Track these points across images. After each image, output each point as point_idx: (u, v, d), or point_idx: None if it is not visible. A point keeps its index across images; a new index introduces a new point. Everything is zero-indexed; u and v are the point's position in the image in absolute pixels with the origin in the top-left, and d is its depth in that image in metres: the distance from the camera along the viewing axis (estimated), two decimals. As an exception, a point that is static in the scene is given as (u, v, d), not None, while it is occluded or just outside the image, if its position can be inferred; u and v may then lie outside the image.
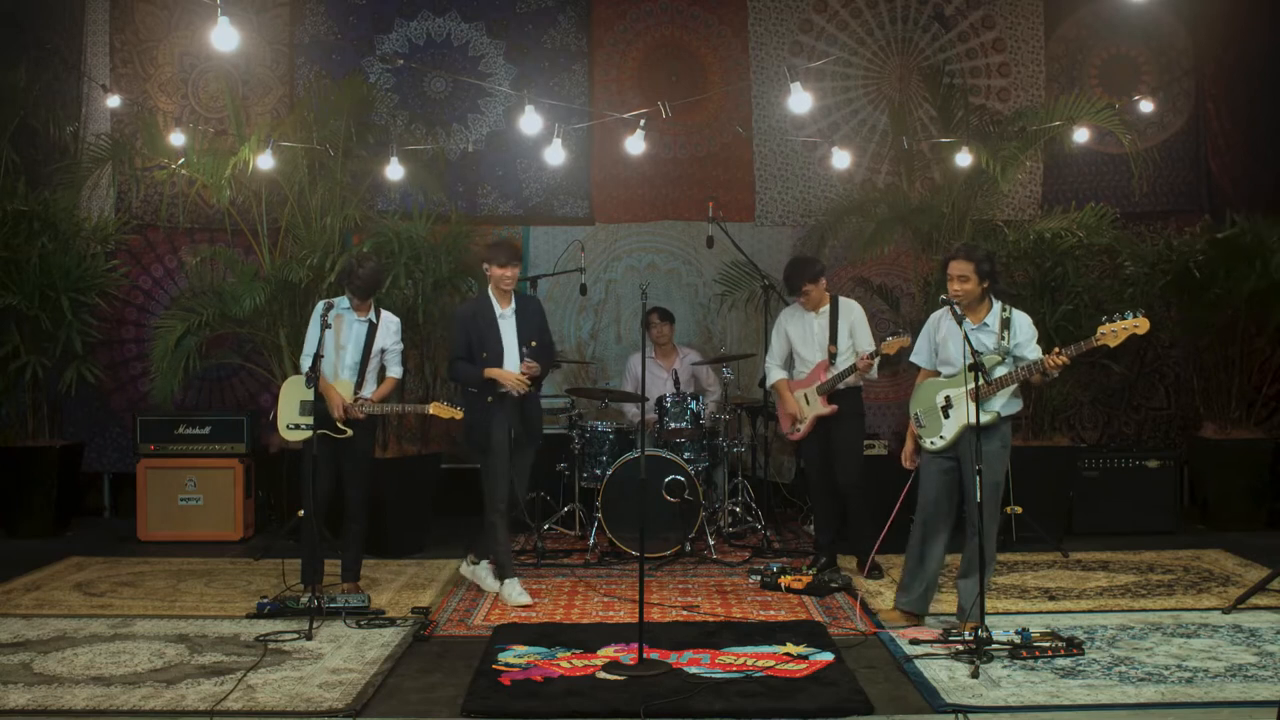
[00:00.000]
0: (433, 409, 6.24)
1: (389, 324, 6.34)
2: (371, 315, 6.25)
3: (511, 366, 6.20)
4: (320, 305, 6.20)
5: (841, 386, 6.64)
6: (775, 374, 6.90)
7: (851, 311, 6.78)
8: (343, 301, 6.24)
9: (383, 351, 6.31)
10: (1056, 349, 5.21)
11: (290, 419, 6.30)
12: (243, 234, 8.30)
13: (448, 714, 4.47)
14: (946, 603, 5.88)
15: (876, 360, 6.50)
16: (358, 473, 6.26)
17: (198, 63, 9.03)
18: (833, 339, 6.70)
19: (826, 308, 6.75)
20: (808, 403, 6.74)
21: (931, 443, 5.51)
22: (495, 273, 6.20)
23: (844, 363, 6.65)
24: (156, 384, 7.91)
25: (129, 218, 8.75)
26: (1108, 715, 4.42)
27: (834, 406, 6.65)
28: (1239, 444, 8.11)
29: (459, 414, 6.27)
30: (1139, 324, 5.08)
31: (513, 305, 6.29)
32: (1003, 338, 5.36)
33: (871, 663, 5.05)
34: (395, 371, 6.39)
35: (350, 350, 6.18)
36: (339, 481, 6.22)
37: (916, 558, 5.59)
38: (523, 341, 6.24)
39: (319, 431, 5.96)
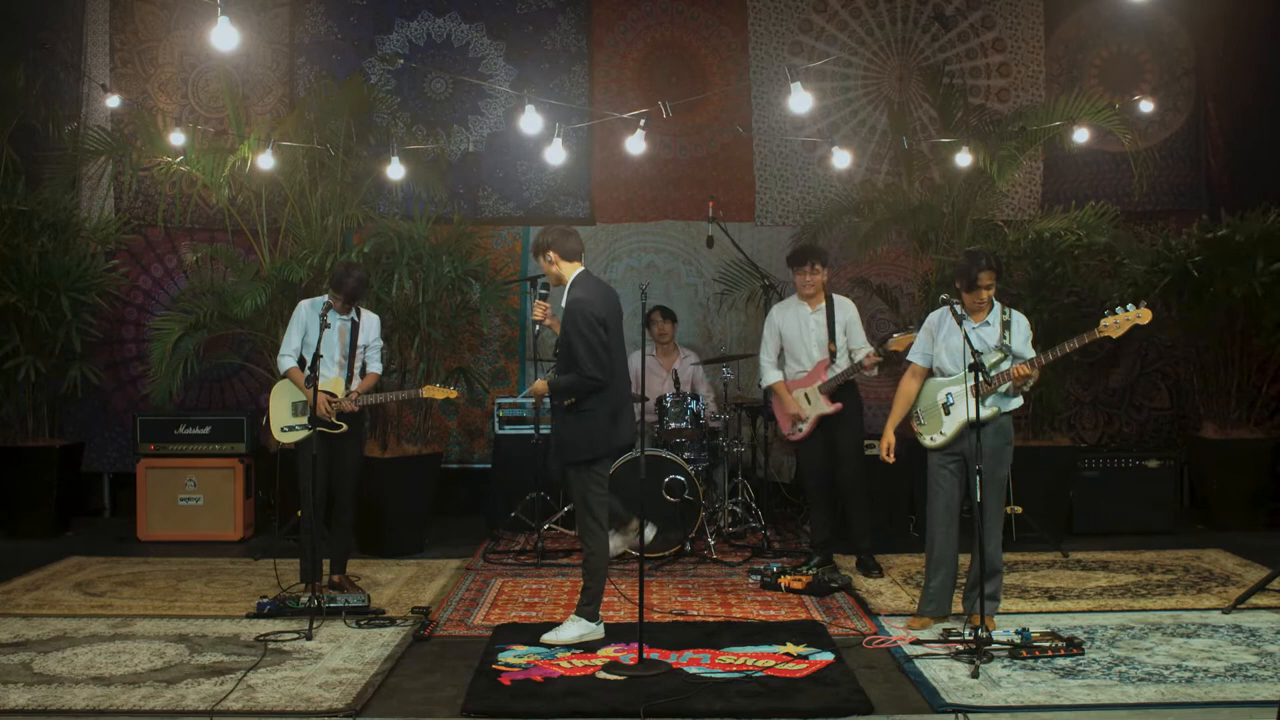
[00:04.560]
0: (425, 392, 6.46)
1: (369, 321, 6.48)
2: (353, 314, 6.37)
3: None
4: (305, 305, 6.35)
5: (840, 385, 6.66)
6: (771, 375, 6.86)
7: (846, 310, 6.78)
8: (326, 300, 6.36)
9: (364, 348, 6.43)
10: (1033, 356, 5.42)
11: (284, 421, 6.34)
12: (243, 234, 8.30)
13: (448, 714, 4.47)
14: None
15: (881, 357, 6.50)
16: (351, 468, 6.36)
17: (198, 62, 9.03)
18: (831, 337, 6.70)
19: (823, 305, 6.76)
20: (809, 402, 6.73)
21: (931, 439, 5.57)
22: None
23: (841, 360, 6.65)
24: (155, 386, 7.91)
25: (129, 217, 8.76)
26: (1108, 715, 4.42)
27: (838, 405, 6.65)
28: (1239, 444, 8.11)
29: (453, 393, 6.49)
30: (1141, 315, 5.27)
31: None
32: (1004, 337, 5.48)
33: (871, 663, 5.05)
34: (376, 367, 6.49)
35: (336, 348, 6.28)
36: (329, 478, 6.29)
37: (934, 561, 5.60)
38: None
39: (317, 429, 6.00)
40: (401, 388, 7.47)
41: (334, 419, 6.19)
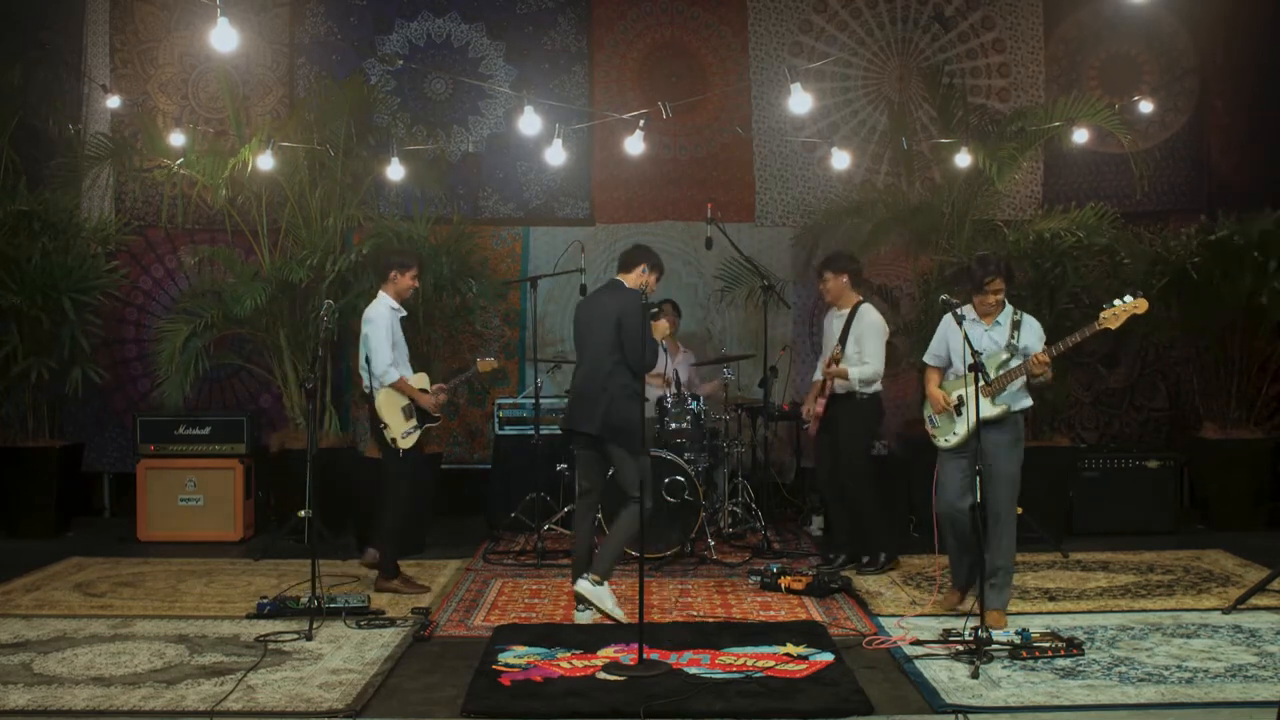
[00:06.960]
0: (481, 366, 6.91)
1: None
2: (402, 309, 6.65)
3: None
4: (383, 310, 6.40)
5: (838, 390, 6.71)
6: (817, 373, 7.05)
7: (863, 320, 6.78)
8: (390, 300, 6.48)
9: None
10: (1045, 347, 5.54)
11: (403, 427, 6.37)
12: (243, 234, 8.30)
13: (448, 714, 4.47)
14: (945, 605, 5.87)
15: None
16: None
17: (198, 63, 9.02)
18: (841, 342, 6.74)
19: (848, 309, 6.82)
20: (814, 400, 6.87)
21: (945, 440, 5.76)
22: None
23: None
24: (166, 387, 7.87)
25: (129, 218, 8.76)
26: (1108, 715, 4.42)
27: (820, 407, 6.78)
28: (1239, 444, 8.11)
29: (499, 363, 6.97)
30: (1138, 305, 5.45)
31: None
32: (1013, 338, 5.63)
33: (871, 663, 5.05)
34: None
35: (403, 347, 6.50)
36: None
37: (952, 551, 5.82)
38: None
39: (424, 426, 6.47)
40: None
41: (433, 413, 6.56)
